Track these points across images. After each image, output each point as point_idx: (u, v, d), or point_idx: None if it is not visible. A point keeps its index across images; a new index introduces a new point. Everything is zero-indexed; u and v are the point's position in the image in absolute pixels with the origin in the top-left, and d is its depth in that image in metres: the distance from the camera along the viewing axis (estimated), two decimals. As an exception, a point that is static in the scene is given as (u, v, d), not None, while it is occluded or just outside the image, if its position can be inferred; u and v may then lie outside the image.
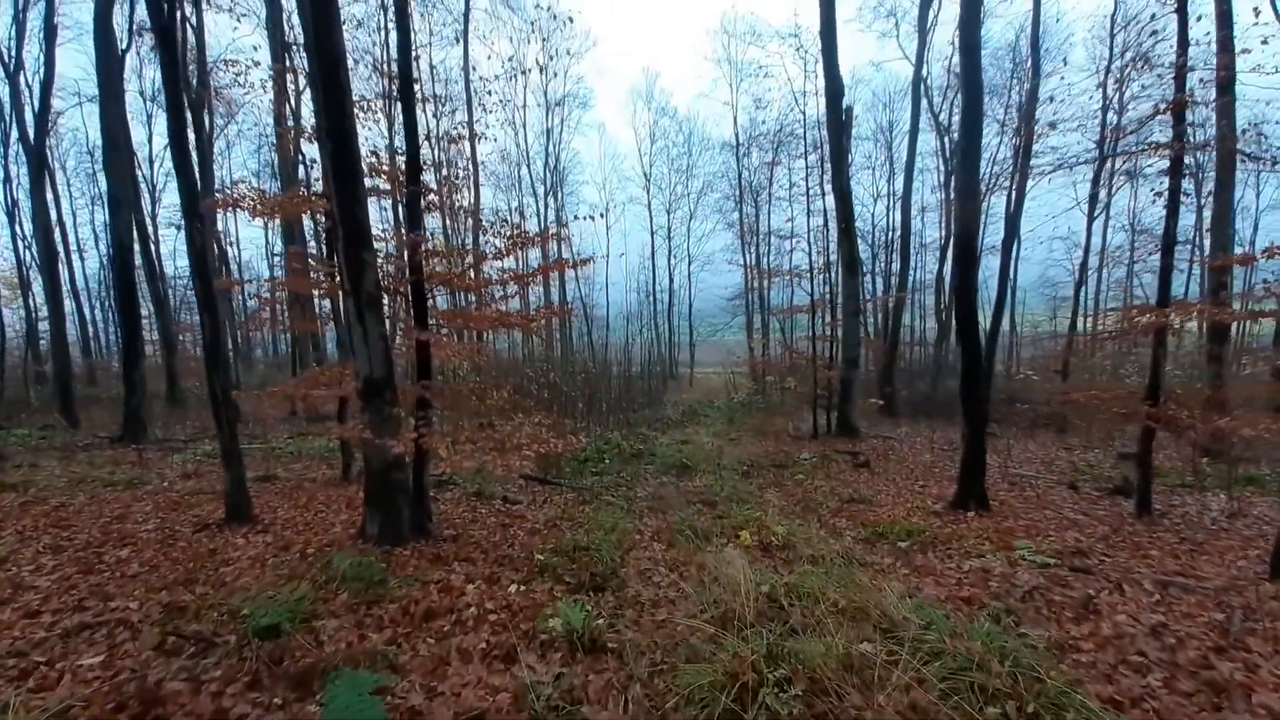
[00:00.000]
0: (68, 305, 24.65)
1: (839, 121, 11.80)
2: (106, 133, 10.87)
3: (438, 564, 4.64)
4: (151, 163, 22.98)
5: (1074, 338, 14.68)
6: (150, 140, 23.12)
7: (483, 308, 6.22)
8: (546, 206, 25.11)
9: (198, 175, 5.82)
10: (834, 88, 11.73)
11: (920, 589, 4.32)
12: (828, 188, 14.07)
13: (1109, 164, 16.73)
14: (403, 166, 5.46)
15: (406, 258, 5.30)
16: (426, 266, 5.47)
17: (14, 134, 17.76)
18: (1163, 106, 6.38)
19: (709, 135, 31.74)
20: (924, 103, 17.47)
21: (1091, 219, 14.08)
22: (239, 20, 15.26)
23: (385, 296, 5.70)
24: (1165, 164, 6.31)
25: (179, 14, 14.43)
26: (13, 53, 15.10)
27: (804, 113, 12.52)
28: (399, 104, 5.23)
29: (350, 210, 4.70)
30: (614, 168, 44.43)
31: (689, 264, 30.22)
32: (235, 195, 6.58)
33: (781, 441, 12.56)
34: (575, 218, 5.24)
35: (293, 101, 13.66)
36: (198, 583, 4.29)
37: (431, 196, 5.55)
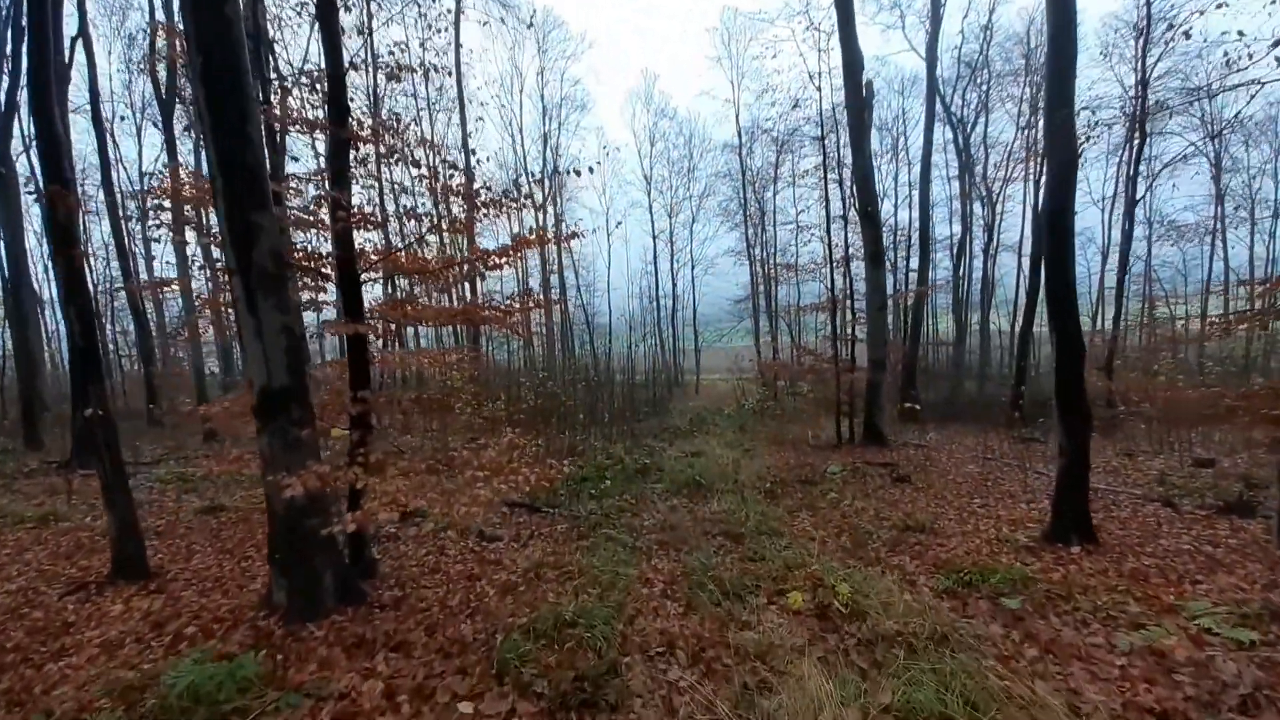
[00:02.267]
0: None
1: (859, 96, 10.32)
2: (50, 125, 9.49)
3: (357, 655, 3.09)
4: (142, 176, 21.69)
5: (1118, 334, 13.04)
6: (140, 155, 21.90)
7: (444, 294, 4.71)
8: (545, 213, 23.69)
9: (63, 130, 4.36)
10: (852, 59, 10.26)
11: (1073, 688, 2.75)
12: (845, 173, 12.60)
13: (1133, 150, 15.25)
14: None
15: (330, 224, 3.80)
16: (359, 237, 3.98)
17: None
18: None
19: (710, 135, 30.25)
20: (936, 91, 15.97)
21: (1133, 202, 12.49)
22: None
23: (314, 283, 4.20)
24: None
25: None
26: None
27: (819, 89, 11.08)
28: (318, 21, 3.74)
29: (232, 149, 3.22)
30: (614, 171, 42.82)
31: (692, 268, 28.67)
32: (172, 184, 5.15)
33: (802, 452, 10.95)
34: (568, 171, 3.73)
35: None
36: (-21, 702, 2.77)
37: (372, 147, 4.06)
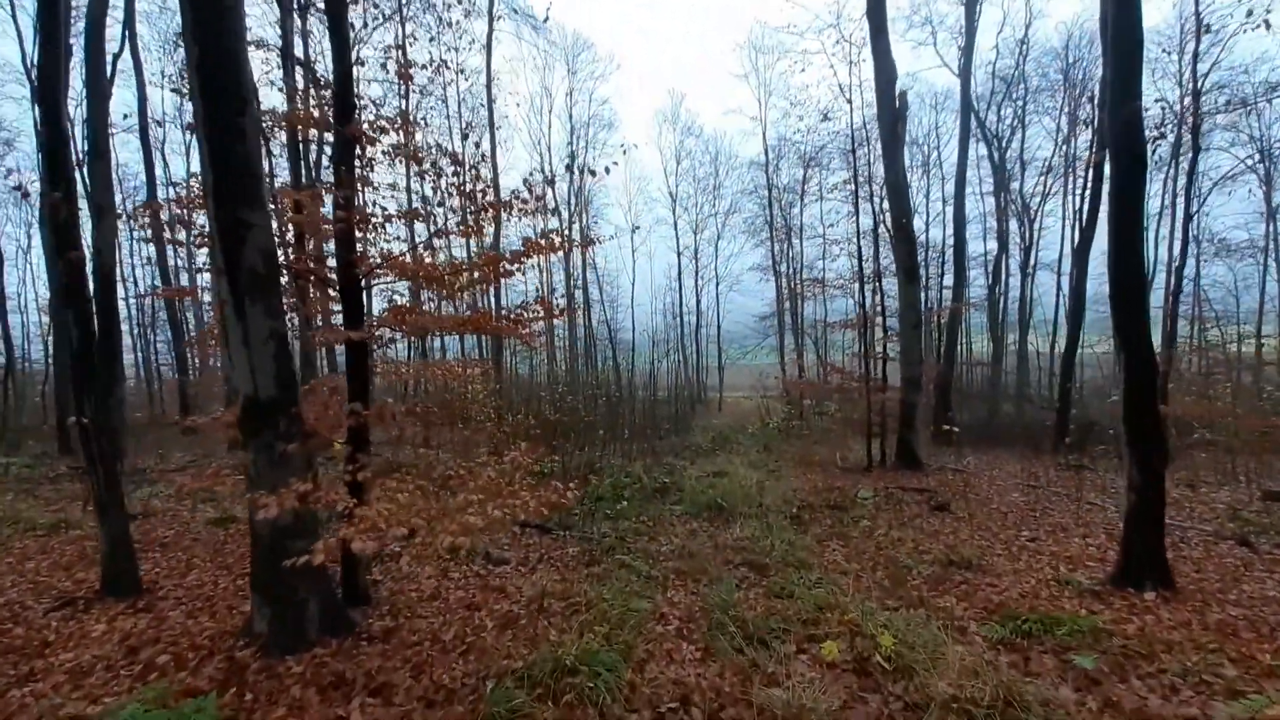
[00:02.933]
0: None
1: (892, 108, 9.91)
2: (92, 138, 9.73)
3: (332, 697, 2.75)
4: (188, 185, 22.41)
5: (1173, 355, 12.15)
6: (188, 172, 22.65)
7: (448, 300, 4.44)
8: (572, 228, 23.71)
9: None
10: (885, 71, 9.88)
11: (1180, 783, 2.23)
12: (875, 188, 12.13)
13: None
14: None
15: (333, 227, 3.57)
16: (361, 242, 3.73)
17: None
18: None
19: (736, 153, 30.10)
20: (971, 108, 15.42)
21: (1189, 217, 11.71)
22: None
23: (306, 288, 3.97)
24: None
25: None
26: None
27: (849, 101, 10.65)
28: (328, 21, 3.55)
29: (225, 141, 3.01)
30: (640, 189, 42.72)
31: (717, 285, 28.31)
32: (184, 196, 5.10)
33: (830, 474, 10.35)
34: (583, 170, 3.46)
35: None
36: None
37: (378, 148, 3.83)
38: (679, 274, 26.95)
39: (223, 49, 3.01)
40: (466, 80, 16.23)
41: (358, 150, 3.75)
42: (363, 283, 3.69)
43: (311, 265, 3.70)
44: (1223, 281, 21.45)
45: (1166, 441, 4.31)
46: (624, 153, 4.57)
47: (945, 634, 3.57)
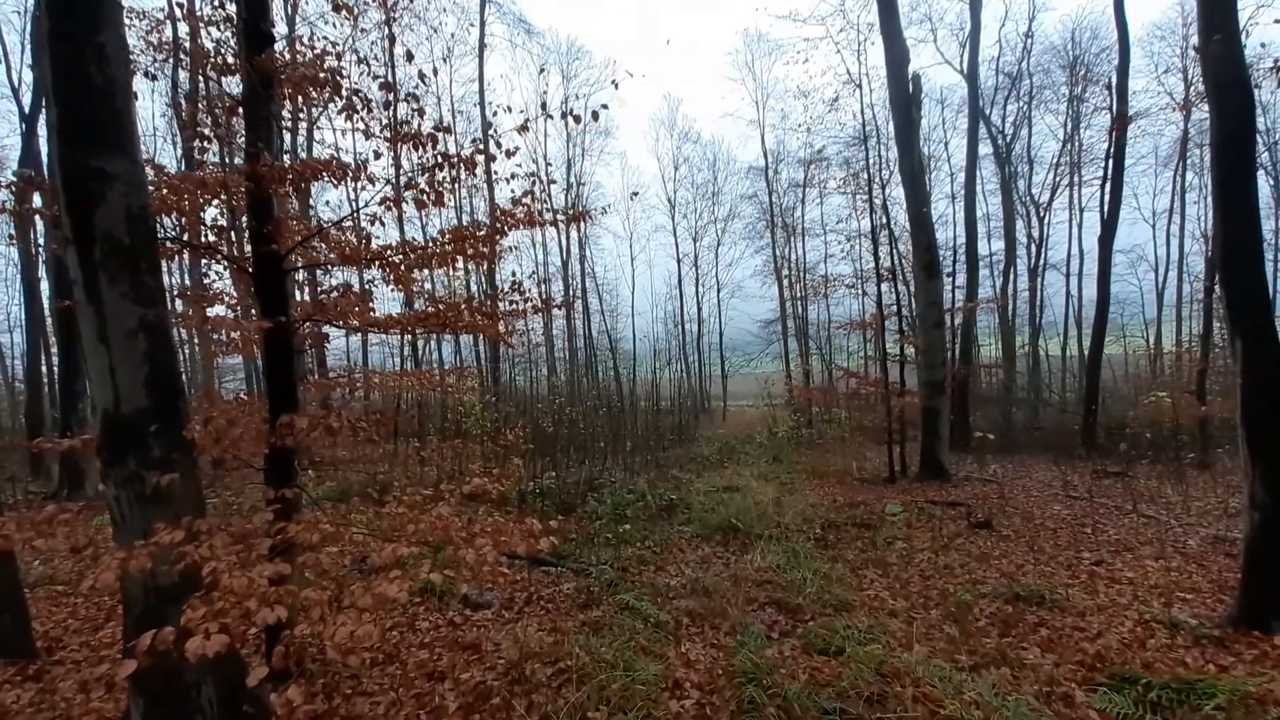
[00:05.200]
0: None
1: (904, 92, 9.13)
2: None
3: None
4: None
5: (1210, 352, 11.27)
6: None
7: (403, 288, 3.57)
8: (568, 239, 23.00)
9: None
10: (897, 53, 9.12)
11: None
12: (885, 178, 11.35)
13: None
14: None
15: (245, 185, 2.72)
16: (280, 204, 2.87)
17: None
18: None
19: (734, 157, 29.52)
20: (979, 111, 14.68)
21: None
22: None
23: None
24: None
25: None
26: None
27: (859, 86, 9.94)
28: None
29: (77, 64, 2.17)
30: (638, 196, 42.49)
31: (718, 291, 27.52)
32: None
33: (849, 487, 9.42)
34: (566, 115, 2.63)
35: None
36: None
37: (313, 95, 2.99)
38: (679, 281, 26.19)
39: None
40: (451, 66, 15.51)
41: (286, 99, 2.93)
42: (289, 259, 2.83)
43: (212, 238, 2.86)
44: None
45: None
46: (615, 86, 3.72)
47: (1048, 707, 2.67)
